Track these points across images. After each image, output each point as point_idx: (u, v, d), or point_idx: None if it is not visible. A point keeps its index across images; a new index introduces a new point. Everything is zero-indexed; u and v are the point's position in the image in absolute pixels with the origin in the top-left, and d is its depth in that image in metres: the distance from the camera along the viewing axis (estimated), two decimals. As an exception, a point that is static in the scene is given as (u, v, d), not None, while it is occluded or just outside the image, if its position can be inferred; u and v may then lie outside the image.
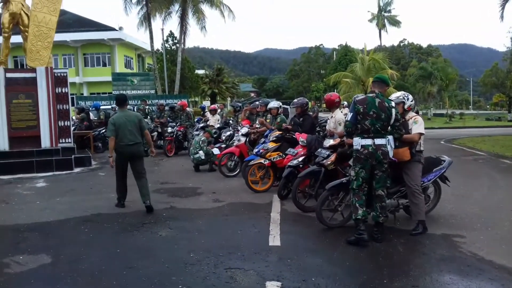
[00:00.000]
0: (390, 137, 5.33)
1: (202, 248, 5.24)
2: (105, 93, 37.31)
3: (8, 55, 12.60)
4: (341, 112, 8.33)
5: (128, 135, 7.17)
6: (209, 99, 52.33)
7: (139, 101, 20.07)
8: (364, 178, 5.33)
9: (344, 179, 6.04)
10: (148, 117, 15.35)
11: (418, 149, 5.85)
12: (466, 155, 13.79)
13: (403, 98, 5.93)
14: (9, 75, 11.93)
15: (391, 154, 5.34)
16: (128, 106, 8.47)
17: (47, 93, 12.04)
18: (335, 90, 42.71)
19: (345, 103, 18.23)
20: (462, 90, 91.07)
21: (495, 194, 8.18)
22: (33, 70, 12.14)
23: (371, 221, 5.53)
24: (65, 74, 12.63)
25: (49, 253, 5.19)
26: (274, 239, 5.52)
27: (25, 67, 13.15)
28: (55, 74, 12.37)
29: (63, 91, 12.52)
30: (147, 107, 15.72)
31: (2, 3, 12.28)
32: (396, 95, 6.07)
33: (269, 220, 6.44)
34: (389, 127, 5.35)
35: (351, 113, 5.39)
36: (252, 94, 76.47)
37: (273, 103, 9.85)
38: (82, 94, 43.23)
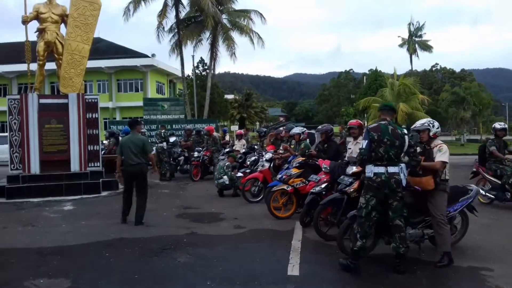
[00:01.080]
0: (403, 165, 5.26)
1: (220, 276, 5.19)
2: (137, 118, 38.15)
3: (42, 81, 13.10)
4: None
5: (132, 156, 8.07)
6: (238, 123, 52.72)
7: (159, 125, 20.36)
8: (374, 207, 5.22)
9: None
10: (165, 141, 15.48)
11: (443, 178, 5.68)
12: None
13: (428, 125, 5.80)
14: (42, 100, 12.37)
15: (404, 182, 5.23)
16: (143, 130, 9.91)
17: (78, 118, 12.40)
18: (365, 115, 42.36)
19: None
20: (497, 115, 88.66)
21: (527, 225, 7.83)
22: (65, 96, 12.55)
23: (392, 251, 5.35)
24: (95, 100, 12.97)
25: (69, 277, 5.24)
26: (293, 268, 5.41)
27: (58, 93, 13.60)
28: (86, 100, 12.74)
29: (94, 116, 12.85)
30: (163, 131, 16.00)
31: (38, 32, 12.81)
32: (421, 122, 5.95)
33: (290, 248, 6.33)
34: (403, 155, 5.28)
35: (366, 141, 5.33)
36: (281, 119, 76.56)
37: (296, 129, 9.81)
38: (115, 118, 44.27)
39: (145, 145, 8.18)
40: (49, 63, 13.50)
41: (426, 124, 5.82)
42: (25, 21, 12.43)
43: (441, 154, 5.61)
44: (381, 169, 5.17)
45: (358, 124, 7.85)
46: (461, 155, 26.34)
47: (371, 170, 5.24)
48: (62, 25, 13.10)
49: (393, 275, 5.14)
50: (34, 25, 12.88)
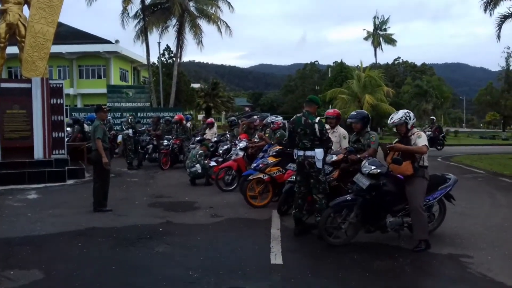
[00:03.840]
0: (318, 150, 6.09)
1: (201, 265, 5.04)
2: (101, 104, 37.08)
3: (3, 65, 12.43)
4: None
5: (92, 142, 8.23)
6: (204, 112, 52.22)
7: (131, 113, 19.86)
8: (299, 182, 6.37)
9: (348, 196, 5.88)
10: (131, 129, 15.03)
11: (422, 164, 5.71)
12: (465, 173, 13.67)
13: (406, 118, 5.78)
14: (3, 85, 11.77)
15: (318, 164, 6.09)
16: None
17: (42, 104, 11.84)
18: (331, 106, 42.79)
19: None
20: (455, 108, 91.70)
21: (498, 212, 8.03)
22: (29, 80, 11.96)
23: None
24: (60, 85, 12.48)
25: (41, 268, 4.96)
26: (276, 257, 5.32)
27: (20, 78, 12.95)
28: (51, 85, 12.21)
29: (58, 102, 12.34)
30: (130, 118, 15.60)
31: (-1, 14, 12.14)
32: (398, 116, 5.86)
33: (270, 237, 6.24)
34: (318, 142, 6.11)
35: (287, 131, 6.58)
36: (247, 109, 76.49)
37: (273, 118, 9.70)
38: (76, 105, 42.87)
39: (94, 131, 8.06)
40: (9, 46, 12.84)
41: (403, 118, 5.79)
42: (-15, 1, 11.74)
43: (422, 139, 5.64)
44: (300, 153, 6.21)
45: (336, 114, 7.80)
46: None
47: (295, 153, 6.32)
48: (25, 7, 12.45)
49: (377, 262, 5.14)
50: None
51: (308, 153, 6.12)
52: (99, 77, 47.12)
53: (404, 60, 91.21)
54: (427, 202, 5.92)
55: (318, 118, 6.28)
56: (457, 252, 5.51)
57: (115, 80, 46.26)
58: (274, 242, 5.99)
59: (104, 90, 27.94)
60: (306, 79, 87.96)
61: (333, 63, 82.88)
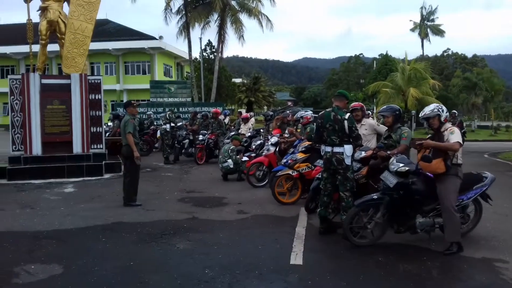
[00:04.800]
0: (347, 146, 5.93)
1: (219, 264, 4.95)
2: (144, 100, 37.93)
3: (44, 62, 12.80)
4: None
5: (122, 137, 8.23)
6: (246, 107, 52.33)
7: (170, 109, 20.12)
8: (326, 179, 6.15)
9: (374, 194, 5.62)
10: (169, 124, 15.21)
11: (455, 162, 5.36)
12: (511, 170, 12.94)
13: (438, 111, 5.46)
14: (44, 81, 12.11)
15: (347, 161, 5.91)
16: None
17: (81, 99, 12.15)
18: (374, 100, 41.80)
19: (369, 112, 17.58)
20: (509, 101, 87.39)
21: (544, 214, 7.48)
22: (68, 76, 12.29)
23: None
24: (98, 81, 12.70)
25: (62, 263, 5.02)
26: (296, 257, 5.15)
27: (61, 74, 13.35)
28: (89, 81, 12.47)
29: (97, 97, 12.59)
30: (168, 113, 15.81)
31: (40, 11, 12.51)
32: (430, 108, 5.59)
33: (294, 235, 6.07)
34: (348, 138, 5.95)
35: (314, 126, 6.46)
36: (289, 103, 76.00)
37: (303, 112, 9.47)
38: (122, 101, 44.08)
39: (125, 126, 8.10)
40: (54, 44, 13.24)
41: (435, 110, 5.48)
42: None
43: (454, 135, 5.29)
44: (328, 149, 6.04)
45: (360, 106, 7.55)
46: (472, 141, 25.85)
47: (323, 149, 6.15)
48: (65, 4, 12.79)
49: (403, 265, 4.87)
50: (36, 3, 12.59)
51: (336, 149, 5.96)
52: (144, 72, 48.21)
53: (454, 51, 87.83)
54: (460, 202, 5.56)
55: (348, 114, 6.09)
56: (491, 256, 5.15)
57: (159, 75, 47.20)
58: (297, 241, 5.82)
59: (148, 86, 28.44)
60: (351, 73, 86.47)
61: (379, 55, 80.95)
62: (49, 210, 7.87)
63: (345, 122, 5.92)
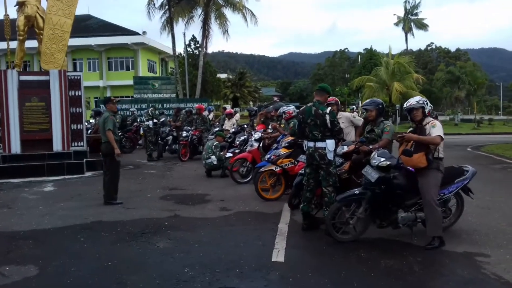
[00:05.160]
0: (329, 141, 5.87)
1: (199, 262, 4.85)
2: (128, 97, 37.51)
3: (23, 58, 12.55)
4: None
5: (102, 135, 8.04)
6: (231, 103, 52.15)
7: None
8: (308, 174, 6.08)
9: (356, 189, 5.57)
10: (153, 120, 15.10)
11: (437, 156, 5.33)
12: (494, 163, 13.04)
13: (423, 103, 5.46)
14: (22, 77, 11.87)
15: (329, 156, 5.87)
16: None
17: (60, 96, 11.93)
18: (359, 94, 41.97)
19: (354, 107, 17.59)
20: (492, 95, 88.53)
21: (525, 206, 7.52)
22: (47, 72, 12.05)
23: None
24: (78, 77, 12.48)
25: (38, 264, 4.88)
26: (278, 254, 5.08)
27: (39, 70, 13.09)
28: (69, 77, 12.25)
29: (77, 94, 12.37)
30: (150, 109, 15.72)
31: (17, 6, 12.23)
32: (415, 99, 5.60)
33: (276, 232, 6.01)
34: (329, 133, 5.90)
35: (296, 122, 6.44)
36: (275, 98, 75.96)
37: (285, 108, 9.40)
38: (105, 97, 43.63)
39: (104, 122, 7.93)
40: (34, 40, 12.97)
41: (421, 102, 5.48)
42: (3, -6, 11.84)
43: (436, 129, 5.27)
44: (310, 144, 5.99)
45: (334, 100, 7.53)
46: (455, 134, 26.09)
47: (305, 144, 6.09)
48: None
49: (385, 261, 4.83)
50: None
51: (319, 144, 5.91)
52: (128, 68, 47.65)
53: (438, 45, 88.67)
54: (442, 196, 5.54)
55: (329, 108, 6.02)
56: (473, 250, 5.13)
57: (143, 71, 46.71)
58: (280, 237, 5.75)
59: (132, 82, 28.15)
60: (336, 67, 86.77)
61: (363, 50, 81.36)
62: (27, 209, 7.69)
63: (327, 116, 5.87)
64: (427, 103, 5.52)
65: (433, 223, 5.23)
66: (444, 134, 5.46)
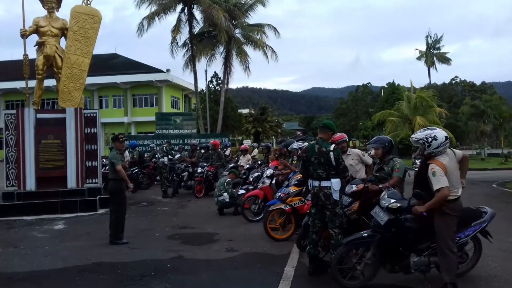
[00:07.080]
0: (335, 180, 5.60)
1: (195, 310, 4.58)
2: (152, 132, 37.98)
3: (41, 96, 12.78)
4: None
5: (110, 172, 8.03)
6: (252, 137, 52.22)
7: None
8: (314, 215, 5.80)
9: (364, 232, 5.26)
10: (168, 156, 15.10)
11: (451, 198, 4.96)
12: (521, 201, 12.39)
13: (424, 143, 4.96)
14: (39, 115, 12.04)
15: (335, 196, 5.57)
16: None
17: (76, 133, 12.02)
18: (383, 129, 41.42)
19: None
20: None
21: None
22: (63, 110, 12.22)
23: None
24: (94, 115, 12.60)
25: (28, 309, 4.70)
26: (280, 302, 4.77)
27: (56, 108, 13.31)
28: (85, 115, 12.38)
29: (92, 131, 12.46)
30: (165, 145, 15.77)
31: (37, 46, 12.56)
32: (418, 136, 5.11)
33: (281, 276, 5.69)
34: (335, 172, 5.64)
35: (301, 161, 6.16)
36: (299, 133, 75.87)
37: (295, 144, 9.18)
38: (130, 133, 44.29)
39: (111, 160, 7.95)
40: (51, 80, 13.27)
41: (421, 141, 5.04)
42: (23, 35, 12.17)
43: (435, 179, 4.74)
44: (315, 183, 5.73)
45: (344, 137, 7.28)
46: (481, 170, 25.16)
47: (310, 183, 5.83)
48: (62, 39, 12.85)
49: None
50: (33, 39, 12.65)
51: (324, 183, 5.66)
52: (152, 105, 48.61)
53: (462, 79, 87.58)
54: (458, 240, 5.14)
55: (333, 145, 5.81)
56: (492, 300, 4.72)
57: (166, 107, 47.54)
58: (284, 283, 5.44)
59: (155, 118, 28.59)
60: (359, 101, 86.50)
61: (386, 84, 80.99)
62: (32, 249, 7.58)
63: (331, 153, 5.65)
64: (433, 139, 4.95)
65: (446, 269, 4.85)
66: (469, 169, 4.99)
